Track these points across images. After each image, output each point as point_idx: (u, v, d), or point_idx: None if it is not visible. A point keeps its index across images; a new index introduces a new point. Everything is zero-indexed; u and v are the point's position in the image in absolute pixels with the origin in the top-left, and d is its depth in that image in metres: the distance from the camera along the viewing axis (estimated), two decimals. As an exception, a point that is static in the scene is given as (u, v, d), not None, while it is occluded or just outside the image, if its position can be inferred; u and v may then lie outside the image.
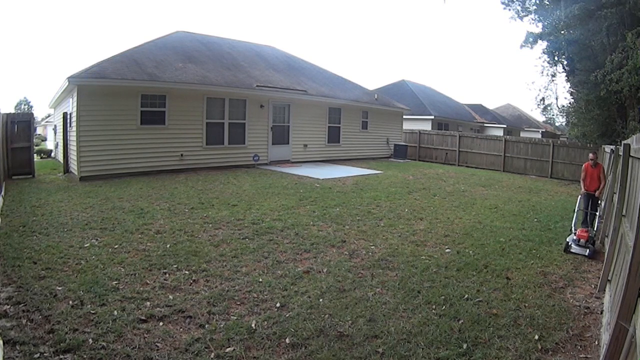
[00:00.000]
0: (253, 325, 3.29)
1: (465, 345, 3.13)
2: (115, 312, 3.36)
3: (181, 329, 3.21)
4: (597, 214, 6.75)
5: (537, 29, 16.55)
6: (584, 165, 7.09)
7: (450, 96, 33.58)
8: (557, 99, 22.85)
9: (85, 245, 4.98)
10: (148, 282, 4.03)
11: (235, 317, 3.42)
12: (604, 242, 5.75)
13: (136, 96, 10.55)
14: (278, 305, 3.68)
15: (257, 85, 13.19)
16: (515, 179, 14.70)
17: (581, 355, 3.12)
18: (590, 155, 7.01)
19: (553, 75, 17.18)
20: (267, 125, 13.68)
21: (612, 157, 8.03)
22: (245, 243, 5.35)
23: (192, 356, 2.87)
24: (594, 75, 12.49)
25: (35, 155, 12.18)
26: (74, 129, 10.06)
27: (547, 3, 16.03)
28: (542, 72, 17.93)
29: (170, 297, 3.73)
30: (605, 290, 4.27)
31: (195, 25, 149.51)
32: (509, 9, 16.87)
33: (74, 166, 10.48)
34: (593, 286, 4.54)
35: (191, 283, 4.06)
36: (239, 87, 12.57)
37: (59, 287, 3.78)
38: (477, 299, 3.98)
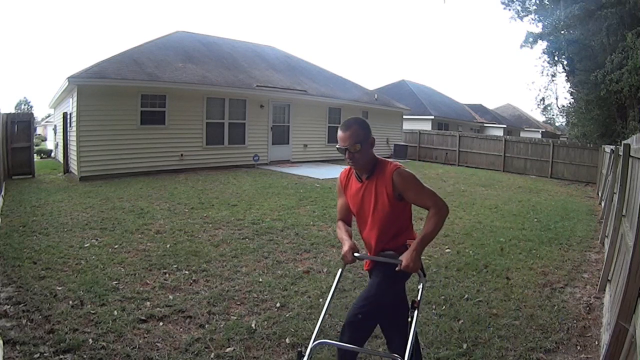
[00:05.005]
0: (253, 325, 3.29)
1: (465, 345, 3.12)
2: (115, 312, 3.36)
3: (181, 329, 3.21)
4: None
5: (537, 29, 16.59)
6: (340, 178, 2.55)
7: (450, 96, 33.57)
8: (557, 99, 22.83)
9: (85, 245, 4.98)
10: (148, 282, 4.03)
11: (235, 317, 3.41)
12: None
13: (136, 96, 10.55)
14: (278, 305, 3.67)
15: (257, 85, 13.20)
16: (515, 179, 14.69)
17: (581, 356, 3.12)
18: (340, 137, 2.18)
19: (553, 75, 17.23)
20: (267, 125, 13.67)
21: (612, 157, 8.03)
22: (245, 243, 5.35)
23: (192, 356, 2.86)
24: (594, 75, 12.51)
25: (35, 155, 12.17)
26: (74, 129, 10.06)
27: (547, 3, 16.04)
28: (542, 72, 17.97)
29: (170, 297, 3.73)
30: (605, 290, 4.26)
31: (195, 25, 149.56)
32: (509, 9, 16.91)
33: (74, 166, 10.49)
34: (593, 286, 4.54)
35: (191, 283, 4.06)
36: (239, 87, 12.57)
37: (59, 287, 3.78)
38: (477, 299, 3.98)
